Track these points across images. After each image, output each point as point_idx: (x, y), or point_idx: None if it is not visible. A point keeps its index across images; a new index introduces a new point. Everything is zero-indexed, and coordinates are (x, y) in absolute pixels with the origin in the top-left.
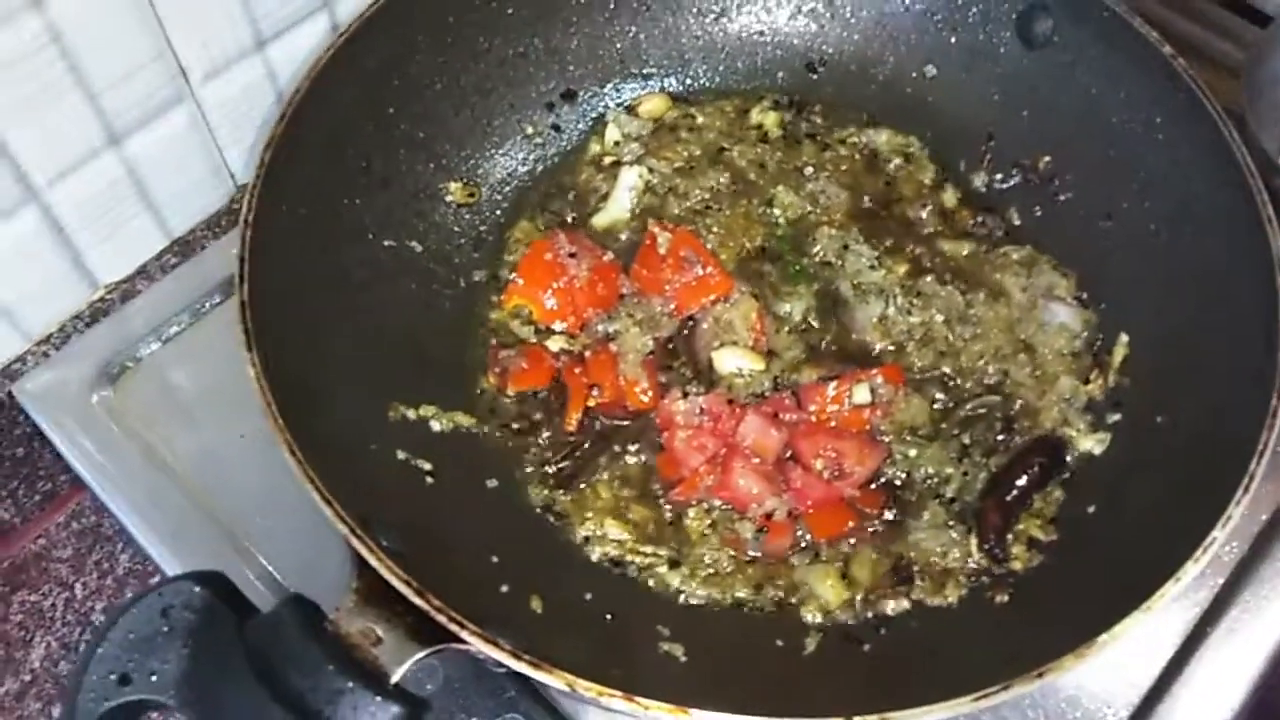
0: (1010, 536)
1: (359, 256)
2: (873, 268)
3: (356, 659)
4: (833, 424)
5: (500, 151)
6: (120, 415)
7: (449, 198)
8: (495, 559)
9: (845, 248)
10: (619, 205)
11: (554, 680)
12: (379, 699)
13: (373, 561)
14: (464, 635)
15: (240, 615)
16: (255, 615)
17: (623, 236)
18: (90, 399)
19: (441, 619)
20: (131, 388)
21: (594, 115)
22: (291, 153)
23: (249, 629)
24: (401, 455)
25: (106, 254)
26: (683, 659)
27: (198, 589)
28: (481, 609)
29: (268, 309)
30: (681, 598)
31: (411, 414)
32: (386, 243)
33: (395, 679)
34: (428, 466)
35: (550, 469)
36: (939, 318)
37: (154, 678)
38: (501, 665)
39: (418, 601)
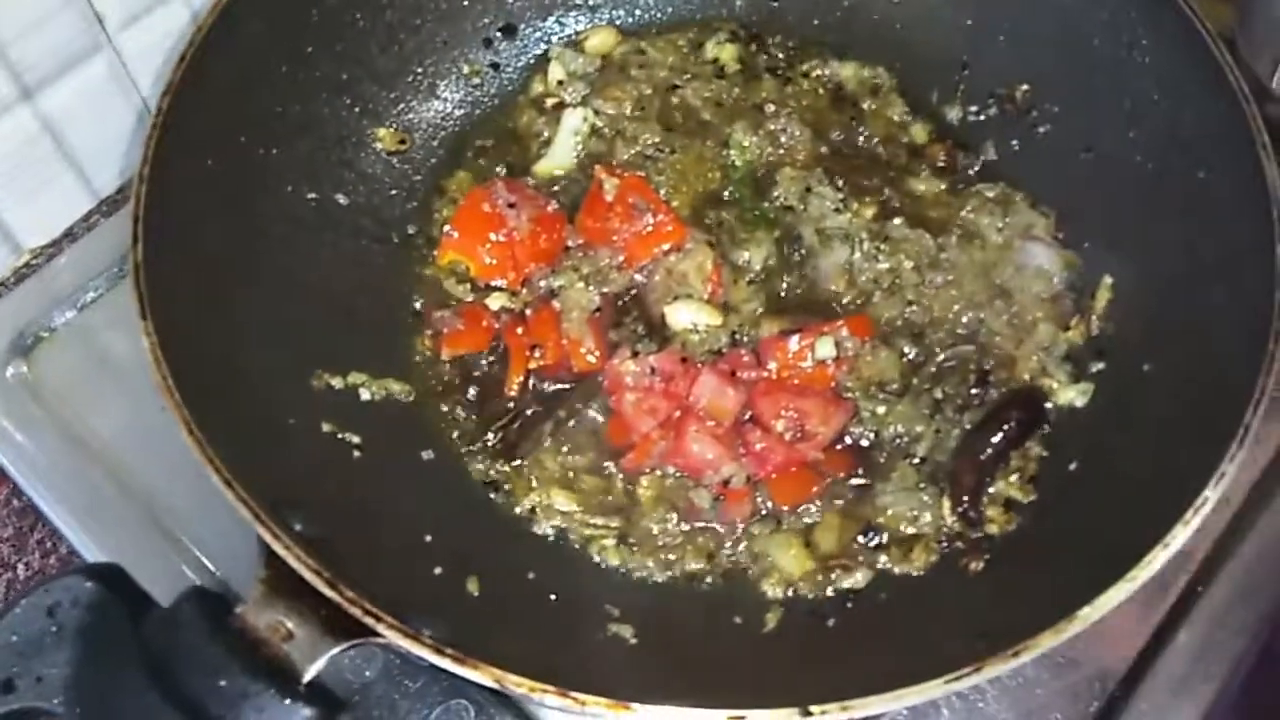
0: (986, 498)
1: (276, 211)
2: (838, 211)
3: (264, 656)
4: (795, 381)
5: (433, 93)
6: (36, 389)
7: (377, 145)
8: (429, 538)
9: (808, 190)
10: (563, 150)
11: (480, 676)
12: (287, 701)
13: (278, 549)
14: (381, 629)
15: (137, 612)
16: (153, 611)
17: (567, 184)
18: (4, 373)
19: (355, 611)
20: (47, 359)
21: (536, 52)
22: (194, 97)
23: (146, 626)
24: (327, 428)
25: (28, 216)
26: (632, 641)
27: (89, 584)
28: (409, 596)
29: (169, 271)
30: (632, 573)
31: (338, 382)
32: (308, 195)
33: (308, 677)
34: (356, 439)
35: (491, 438)
36: (908, 264)
37: (40, 683)
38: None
39: (328, 592)
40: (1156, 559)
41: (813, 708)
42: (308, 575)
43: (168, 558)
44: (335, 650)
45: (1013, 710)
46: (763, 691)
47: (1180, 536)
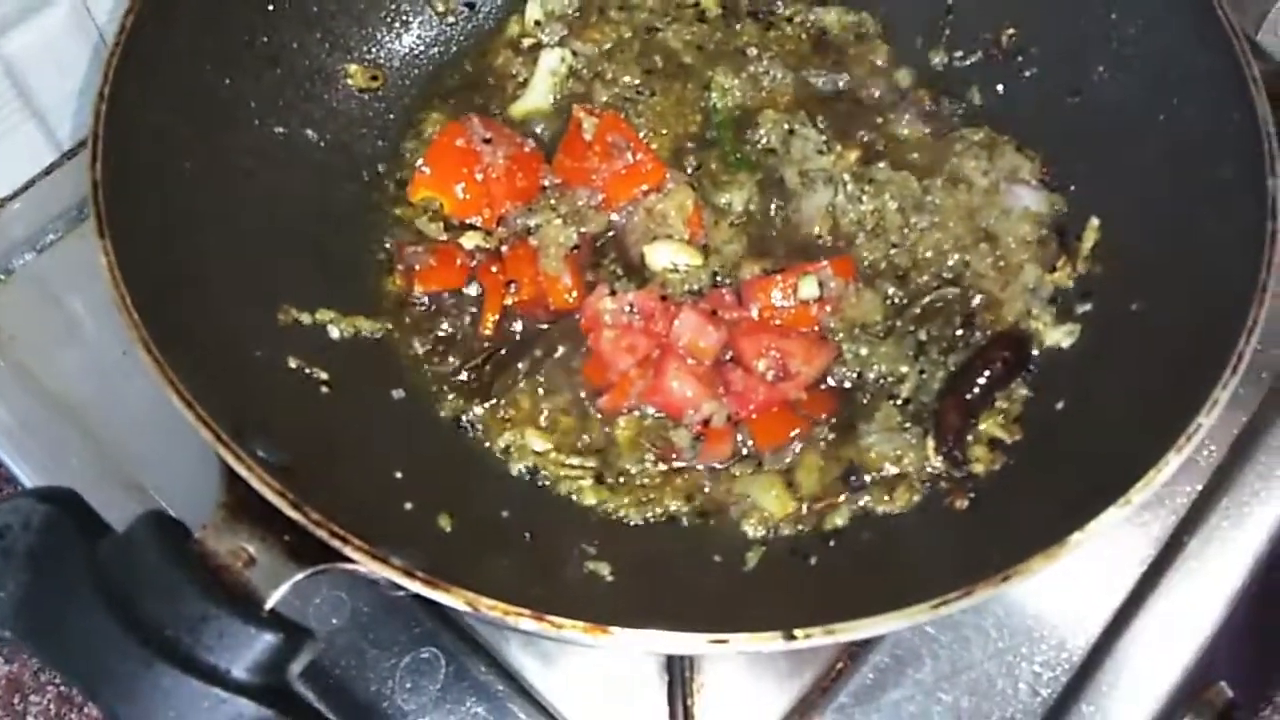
0: (970, 438)
1: (242, 143)
2: (821, 153)
3: (224, 582)
4: (777, 322)
5: (407, 30)
6: None
7: (348, 81)
8: (399, 475)
9: (790, 132)
10: (539, 91)
11: (452, 600)
12: (249, 626)
13: (241, 470)
14: (348, 551)
15: (91, 536)
16: (108, 535)
17: (542, 127)
18: None
19: (322, 534)
20: (3, 302)
21: None
22: (160, 20)
23: (100, 550)
24: (293, 363)
25: None
26: (609, 578)
27: (41, 506)
28: (376, 527)
29: (128, 194)
30: (609, 513)
31: (306, 318)
32: (276, 129)
33: (270, 604)
34: (324, 376)
35: (464, 377)
36: (893, 205)
37: None
38: (397, 588)
39: (293, 515)
40: (1153, 482)
41: (797, 631)
42: (271, 497)
43: (125, 504)
44: (299, 576)
45: (995, 660)
46: (745, 619)
47: (1173, 463)
